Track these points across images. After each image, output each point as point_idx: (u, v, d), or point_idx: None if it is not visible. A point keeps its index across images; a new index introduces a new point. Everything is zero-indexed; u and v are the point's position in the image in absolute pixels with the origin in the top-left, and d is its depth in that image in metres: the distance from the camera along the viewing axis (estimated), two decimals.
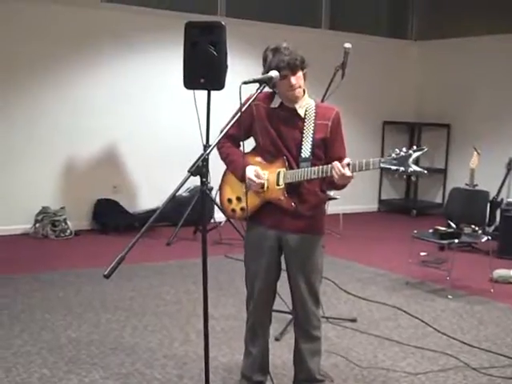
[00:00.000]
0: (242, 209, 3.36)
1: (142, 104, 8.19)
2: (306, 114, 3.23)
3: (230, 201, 3.42)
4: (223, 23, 6.53)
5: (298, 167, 3.20)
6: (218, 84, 6.51)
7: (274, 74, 3.06)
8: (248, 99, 3.08)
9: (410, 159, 2.93)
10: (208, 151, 2.81)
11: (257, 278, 3.35)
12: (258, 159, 3.30)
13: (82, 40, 7.73)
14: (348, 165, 3.03)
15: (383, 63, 10.22)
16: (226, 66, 6.54)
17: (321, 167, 3.12)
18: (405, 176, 2.99)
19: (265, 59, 3.16)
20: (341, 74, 4.62)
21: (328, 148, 3.25)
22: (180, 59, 6.64)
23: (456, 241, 5.84)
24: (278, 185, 3.22)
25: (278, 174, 3.22)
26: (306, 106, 3.24)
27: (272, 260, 3.33)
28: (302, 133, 3.21)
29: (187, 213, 7.35)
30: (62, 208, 7.66)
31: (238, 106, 2.99)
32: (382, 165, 2.99)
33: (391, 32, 10.63)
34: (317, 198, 3.29)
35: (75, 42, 7.70)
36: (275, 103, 3.25)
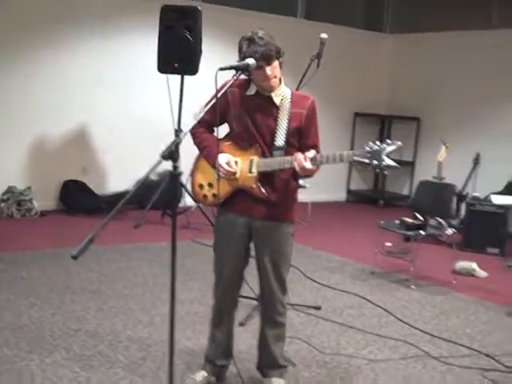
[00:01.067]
0: (213, 195, 3.36)
1: (115, 86, 8.11)
2: (281, 103, 3.23)
3: (201, 186, 3.42)
4: (199, 8, 6.49)
5: (271, 155, 3.20)
6: (192, 69, 6.47)
7: (250, 61, 3.05)
8: (224, 85, 3.05)
9: (384, 153, 2.94)
10: (182, 136, 2.80)
11: (225, 264, 3.37)
12: (232, 146, 3.30)
13: (55, 19, 7.61)
14: (312, 158, 3.05)
15: (357, 55, 10.26)
16: (201, 52, 6.49)
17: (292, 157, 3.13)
18: (378, 170, 2.99)
19: (240, 49, 3.14)
20: (316, 63, 4.64)
21: (302, 136, 3.26)
22: (155, 43, 6.58)
23: (422, 232, 5.91)
24: (250, 172, 3.23)
25: (251, 161, 3.23)
26: (281, 94, 3.24)
27: (241, 247, 3.35)
28: (277, 121, 3.22)
29: (156, 196, 7.33)
30: (28, 188, 7.57)
31: (213, 91, 2.98)
32: (355, 158, 2.99)
33: (366, 24, 10.68)
34: (288, 187, 3.31)
35: (48, 20, 7.57)
36: (251, 90, 3.25)
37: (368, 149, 2.96)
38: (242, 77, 3.17)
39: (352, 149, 10.30)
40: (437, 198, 6.34)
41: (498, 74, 9.02)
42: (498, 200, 7.38)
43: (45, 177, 7.81)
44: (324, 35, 4.59)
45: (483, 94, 9.22)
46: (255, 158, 3.22)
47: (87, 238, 2.48)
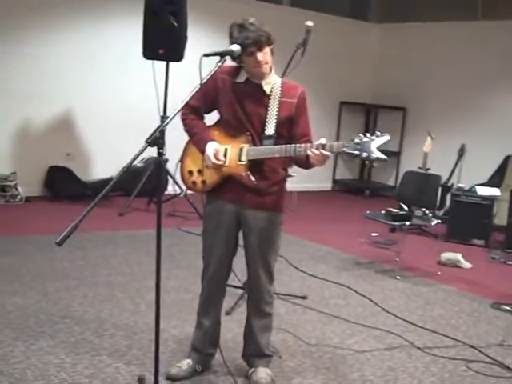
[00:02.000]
0: (202, 181, 3.35)
1: (101, 71, 8.04)
2: (271, 91, 3.21)
3: (190, 173, 3.40)
4: None
5: (261, 144, 3.19)
6: (177, 55, 6.43)
7: (235, 47, 3.05)
8: (214, 72, 3.03)
9: (373, 144, 2.91)
10: (166, 122, 2.78)
11: (213, 252, 3.36)
12: (221, 133, 3.28)
13: (38, 2, 7.51)
14: (323, 145, 2.99)
15: (343, 44, 10.25)
16: (186, 38, 6.45)
17: (285, 146, 3.10)
18: (366, 162, 2.96)
19: (230, 35, 3.12)
20: (301, 51, 4.61)
21: (292, 126, 3.25)
22: (141, 28, 6.53)
23: (407, 223, 5.93)
24: (240, 161, 3.21)
25: (241, 149, 3.21)
26: (272, 82, 3.23)
27: (230, 235, 3.34)
28: (267, 110, 3.20)
29: (141, 183, 7.30)
30: (12, 173, 7.50)
31: (199, 78, 2.96)
32: (344, 149, 2.95)
33: (353, 13, 10.65)
34: (278, 176, 3.30)
35: (35, 2, 7.47)
36: (241, 78, 3.23)
37: (358, 140, 2.94)
38: (233, 64, 3.16)
39: (338, 137, 10.33)
40: (422, 188, 6.36)
41: (483, 65, 9.05)
42: (483, 191, 7.43)
43: (30, 162, 7.73)
44: (310, 23, 4.56)
45: (469, 85, 9.26)
46: (245, 146, 3.20)
47: (71, 225, 2.47)
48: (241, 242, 3.40)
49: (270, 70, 3.23)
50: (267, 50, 3.13)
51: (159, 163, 2.98)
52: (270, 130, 3.19)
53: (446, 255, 6.29)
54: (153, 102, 6.60)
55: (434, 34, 9.66)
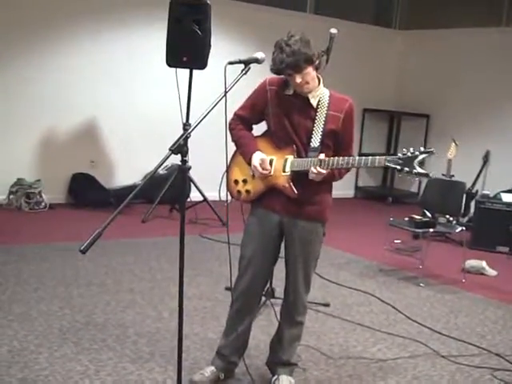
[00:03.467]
0: (247, 191, 3.36)
1: (124, 80, 8.11)
2: (318, 104, 3.21)
3: (236, 182, 3.41)
4: (208, 2, 6.46)
5: (307, 156, 3.20)
6: (201, 63, 6.45)
7: (259, 55, 3.05)
8: (264, 85, 3.16)
9: (416, 160, 2.93)
10: (190, 130, 2.79)
11: (253, 261, 3.34)
12: (268, 144, 3.30)
13: (64, 14, 7.60)
14: (321, 161, 3.08)
15: (366, 51, 10.22)
16: (210, 46, 6.47)
17: (327, 159, 3.11)
18: (409, 177, 2.98)
19: (273, 53, 3.11)
20: (325, 59, 4.61)
21: (337, 139, 3.25)
22: (163, 37, 6.56)
23: (431, 230, 5.88)
24: (284, 171, 3.23)
25: (286, 160, 3.23)
26: (319, 95, 3.22)
27: (272, 244, 3.34)
28: (314, 122, 3.20)
29: (164, 191, 7.32)
30: (37, 180, 7.58)
31: (223, 86, 2.96)
32: (387, 163, 2.99)
33: (376, 20, 10.63)
34: (321, 187, 3.28)
35: (57, 14, 7.56)
36: (289, 90, 3.24)
37: (400, 155, 2.97)
38: (282, 76, 3.16)
39: (361, 145, 10.31)
40: (446, 195, 6.30)
41: (507, 72, 8.96)
42: (508, 198, 7.35)
43: (54, 170, 7.81)
44: (334, 30, 4.57)
45: (493, 92, 9.18)
46: (290, 158, 3.22)
47: (95, 233, 2.48)
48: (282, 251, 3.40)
49: (318, 84, 3.22)
50: (308, 70, 3.10)
51: (183, 171, 2.99)
52: (315, 142, 3.19)
53: (471, 262, 6.23)
54: (175, 109, 6.62)
55: (458, 41, 9.59)
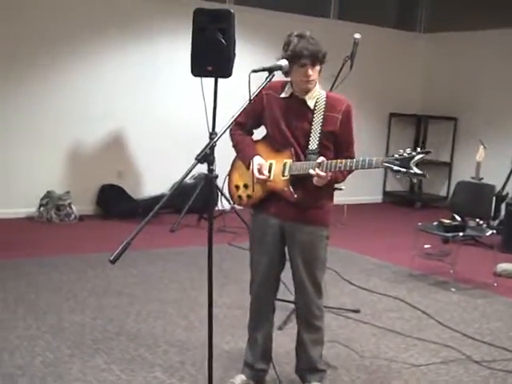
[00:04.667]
0: (248, 196, 3.37)
1: (150, 91, 8.18)
2: (315, 106, 3.21)
3: (237, 187, 3.43)
4: (232, 11, 6.49)
5: (306, 158, 3.19)
6: (226, 72, 6.47)
7: (283, 62, 3.06)
8: (262, 88, 3.05)
9: (413, 161, 2.91)
10: (216, 139, 2.80)
11: (259, 267, 3.37)
12: (267, 148, 3.31)
13: (90, 26, 7.71)
14: (319, 164, 3.06)
15: (391, 55, 10.18)
16: (234, 54, 6.50)
17: (325, 161, 3.10)
18: (406, 177, 2.97)
19: (288, 43, 3.10)
20: (349, 64, 4.61)
21: (336, 141, 3.24)
22: (188, 46, 6.60)
23: (461, 234, 5.83)
24: (283, 175, 3.23)
25: (285, 164, 3.23)
26: (316, 97, 3.22)
27: (275, 249, 3.34)
28: (311, 124, 3.20)
29: (191, 200, 7.35)
30: (66, 192, 7.66)
31: (248, 94, 2.98)
32: (385, 164, 2.97)
33: (400, 24, 10.59)
34: (322, 190, 3.27)
35: (83, 27, 7.67)
36: (286, 93, 3.25)
37: (397, 156, 2.95)
38: (277, 80, 3.16)
39: (387, 150, 10.25)
40: (475, 198, 6.23)
41: None
42: None
43: (82, 181, 7.90)
44: (358, 35, 4.57)
45: None
46: (288, 162, 3.21)
47: (124, 243, 2.50)
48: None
49: (315, 85, 3.23)
50: (318, 67, 3.15)
51: (210, 180, 3.00)
52: (313, 144, 3.19)
53: (502, 266, 6.15)
54: (201, 118, 6.65)
55: (483, 42, 9.50)
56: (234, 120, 3.00)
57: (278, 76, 3.14)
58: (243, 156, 3.34)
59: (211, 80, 6.58)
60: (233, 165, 3.48)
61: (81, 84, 7.75)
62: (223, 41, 6.39)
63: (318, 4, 9.70)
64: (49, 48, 7.51)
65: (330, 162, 3.09)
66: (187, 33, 6.59)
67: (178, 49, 7.65)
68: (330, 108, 3.21)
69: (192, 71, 6.59)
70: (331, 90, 4.39)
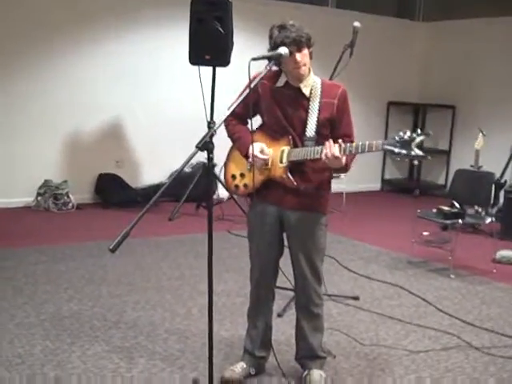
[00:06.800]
0: (244, 185, 3.36)
1: (147, 79, 8.14)
2: (311, 93, 3.20)
3: (233, 177, 3.42)
4: (230, 0, 6.46)
5: (303, 146, 3.18)
6: (224, 61, 6.45)
7: (283, 50, 3.03)
8: (255, 77, 3.05)
9: (414, 143, 2.89)
10: (216, 127, 2.78)
11: (258, 254, 3.38)
12: (264, 137, 3.29)
13: (87, 14, 7.65)
14: (339, 146, 3.01)
15: (389, 43, 10.14)
16: (232, 43, 6.47)
17: (321, 148, 3.09)
18: (407, 159, 2.96)
19: (271, 36, 3.13)
20: (348, 52, 4.59)
21: (334, 127, 3.23)
22: (186, 35, 6.57)
23: (460, 221, 5.82)
24: (281, 163, 3.21)
25: (282, 152, 3.22)
26: (311, 84, 3.21)
27: (273, 237, 3.34)
28: (307, 112, 3.19)
29: (190, 188, 7.34)
30: (64, 181, 7.64)
31: (245, 82, 2.96)
32: (384, 147, 2.97)
33: (398, 12, 10.54)
34: (321, 177, 3.27)
35: (80, 16, 7.61)
36: (280, 82, 3.24)
37: (397, 138, 2.94)
38: (272, 69, 3.14)
39: (386, 138, 10.19)
40: (474, 186, 6.23)
41: None
42: None
43: (80, 170, 7.88)
44: (357, 24, 4.55)
45: None
46: (286, 149, 3.20)
47: (123, 232, 2.48)
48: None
49: (309, 72, 3.21)
50: (306, 51, 3.13)
51: (209, 168, 2.98)
52: (310, 131, 3.18)
53: (502, 253, 6.15)
54: (199, 107, 6.63)
55: (482, 31, 9.45)
56: (234, 111, 2.99)
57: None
58: (241, 144, 3.32)
59: (209, 68, 6.57)
60: (228, 155, 3.47)
61: (78, 73, 7.70)
62: (221, 29, 6.37)
63: None
64: (45, 36, 7.46)
65: (348, 144, 3.04)
66: (185, 21, 6.57)
67: (176, 37, 7.60)
68: (325, 94, 3.20)
69: (190, 60, 6.58)
70: (331, 78, 4.38)
